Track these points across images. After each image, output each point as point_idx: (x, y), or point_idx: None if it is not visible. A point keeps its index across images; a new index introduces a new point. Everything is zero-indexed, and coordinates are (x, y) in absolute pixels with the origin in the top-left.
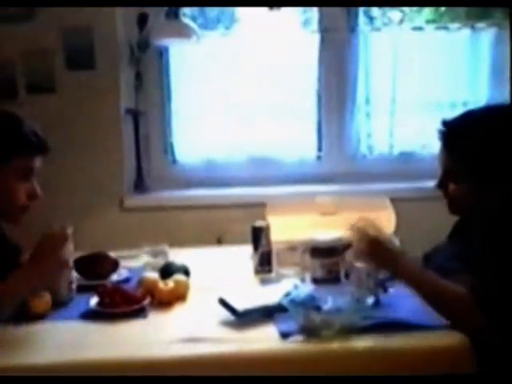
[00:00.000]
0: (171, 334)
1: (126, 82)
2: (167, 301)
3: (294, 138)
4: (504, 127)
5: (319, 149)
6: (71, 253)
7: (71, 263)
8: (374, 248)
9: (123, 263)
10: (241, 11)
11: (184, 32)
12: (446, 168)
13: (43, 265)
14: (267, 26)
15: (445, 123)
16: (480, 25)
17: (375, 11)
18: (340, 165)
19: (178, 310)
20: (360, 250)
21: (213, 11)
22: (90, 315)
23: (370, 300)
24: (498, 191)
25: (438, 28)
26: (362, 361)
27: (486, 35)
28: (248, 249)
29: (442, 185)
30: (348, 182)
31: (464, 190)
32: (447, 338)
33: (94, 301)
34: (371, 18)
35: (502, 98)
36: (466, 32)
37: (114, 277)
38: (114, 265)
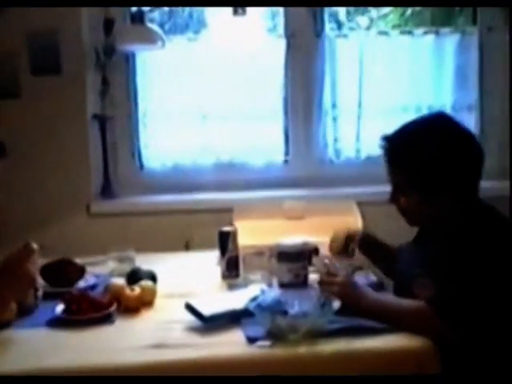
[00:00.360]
0: (138, 340)
1: (93, 87)
2: (134, 307)
3: (261, 142)
4: (440, 137)
5: (286, 153)
6: (38, 267)
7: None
8: (342, 289)
9: (90, 269)
10: (209, 16)
11: (149, 37)
12: (394, 182)
13: (11, 280)
14: (234, 31)
15: (385, 139)
16: (444, 30)
17: (342, 16)
18: (307, 169)
19: (145, 316)
20: (331, 290)
21: (181, 16)
22: (57, 322)
23: (336, 304)
24: (446, 198)
25: (402, 33)
26: (329, 364)
27: (451, 40)
28: (215, 254)
29: (393, 199)
30: (315, 186)
31: (414, 201)
32: (411, 341)
33: (60, 308)
34: (338, 23)
35: (466, 101)
36: (431, 37)
37: (81, 283)
38: (81, 271)
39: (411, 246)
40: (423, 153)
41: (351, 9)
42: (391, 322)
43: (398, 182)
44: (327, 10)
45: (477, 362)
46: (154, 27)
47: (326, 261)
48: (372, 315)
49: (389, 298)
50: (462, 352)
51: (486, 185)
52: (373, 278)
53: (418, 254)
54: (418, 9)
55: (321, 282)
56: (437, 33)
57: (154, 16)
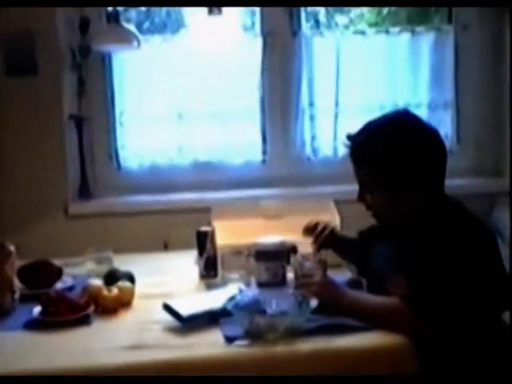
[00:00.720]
0: (116, 341)
1: (69, 87)
2: (112, 308)
3: (239, 142)
4: (403, 133)
5: (264, 152)
6: (15, 269)
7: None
8: (320, 289)
9: (67, 271)
10: (187, 16)
11: (124, 37)
12: (360, 181)
13: None
14: (210, 30)
15: (349, 138)
16: (420, 29)
17: (321, 15)
18: (285, 168)
19: (123, 317)
20: (310, 291)
21: (159, 16)
22: (34, 324)
23: (314, 303)
24: (412, 195)
25: (379, 32)
26: (307, 363)
27: (426, 39)
28: (193, 254)
29: (361, 198)
30: (293, 185)
31: (380, 199)
32: (389, 338)
33: (37, 310)
34: (317, 22)
35: (442, 99)
36: (407, 36)
37: (58, 285)
38: (58, 273)
39: (384, 244)
40: (387, 150)
41: (330, 8)
42: (369, 320)
43: (364, 180)
44: (305, 9)
45: (453, 358)
46: (130, 27)
47: (302, 260)
48: (350, 314)
49: (366, 296)
50: (439, 349)
51: (462, 182)
52: (350, 275)
53: (390, 253)
54: (393, 7)
55: (298, 286)
56: (412, 31)
57: (131, 16)
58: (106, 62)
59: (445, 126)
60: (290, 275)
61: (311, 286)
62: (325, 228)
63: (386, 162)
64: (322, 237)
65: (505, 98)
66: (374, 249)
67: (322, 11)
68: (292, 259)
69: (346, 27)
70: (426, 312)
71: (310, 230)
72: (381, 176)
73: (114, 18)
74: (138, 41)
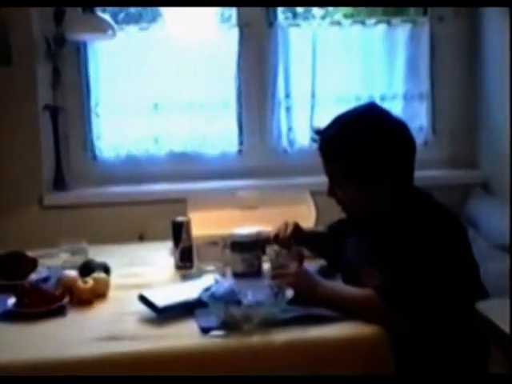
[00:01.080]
0: (91, 332)
1: (44, 77)
2: (87, 299)
3: (215, 132)
4: (371, 126)
5: (240, 143)
6: None
7: None
8: (296, 280)
9: (42, 262)
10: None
11: (99, 26)
12: (330, 175)
13: None
14: (187, 20)
15: (317, 132)
16: (396, 20)
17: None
18: (261, 159)
19: (98, 309)
20: (285, 281)
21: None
22: (8, 316)
23: (290, 293)
24: (381, 187)
25: (355, 23)
26: (282, 353)
27: (402, 30)
28: (169, 245)
29: (331, 192)
30: (269, 176)
31: (350, 193)
32: (364, 329)
33: (11, 301)
34: (294, 13)
35: (418, 91)
36: (383, 27)
37: (33, 276)
38: (33, 264)
39: (356, 237)
40: (355, 143)
41: None
42: (343, 310)
43: (333, 174)
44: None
45: (428, 348)
46: (105, 16)
47: (278, 250)
48: (324, 304)
49: (341, 286)
50: (413, 339)
51: (437, 173)
52: (323, 263)
53: (362, 245)
54: None
55: (274, 276)
56: (388, 23)
57: None
58: (81, 51)
59: (420, 118)
60: (266, 266)
61: (286, 277)
62: (286, 227)
63: (353, 156)
64: (286, 236)
65: (479, 89)
66: (346, 242)
67: None
68: (268, 250)
69: (323, 18)
70: (398, 302)
71: (275, 239)
72: (348, 170)
73: (89, 8)
74: (113, 30)
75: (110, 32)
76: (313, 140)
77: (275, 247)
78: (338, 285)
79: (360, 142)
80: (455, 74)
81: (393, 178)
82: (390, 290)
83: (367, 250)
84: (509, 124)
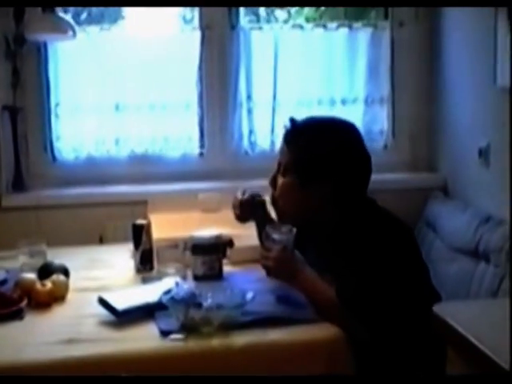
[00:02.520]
0: (49, 335)
1: (3, 77)
2: (45, 302)
3: (176, 134)
4: (337, 133)
5: (201, 146)
6: None
7: None
8: (276, 265)
9: (0, 264)
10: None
11: (59, 27)
12: (279, 163)
13: None
14: (150, 21)
15: (291, 120)
16: (357, 24)
17: (261, 9)
18: (223, 162)
19: (57, 311)
20: (265, 265)
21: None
22: None
23: (250, 295)
24: (320, 189)
25: (317, 26)
26: (243, 356)
27: (363, 34)
28: (129, 247)
29: (272, 181)
30: (230, 178)
31: (288, 184)
32: (324, 331)
33: None
34: (257, 16)
35: (378, 95)
36: (344, 31)
37: None
38: None
39: (310, 244)
40: (315, 139)
41: None
42: (314, 303)
43: (284, 162)
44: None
45: (386, 351)
46: (66, 17)
47: (270, 231)
48: (303, 293)
49: (317, 282)
50: (372, 344)
51: (397, 177)
52: None
53: (314, 252)
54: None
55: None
56: (350, 27)
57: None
58: (41, 51)
59: (380, 121)
60: (226, 268)
61: (267, 260)
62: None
63: (308, 150)
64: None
65: (439, 93)
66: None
67: None
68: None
69: (285, 21)
70: (355, 308)
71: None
72: (298, 161)
73: (50, 7)
74: (74, 30)
75: (70, 32)
76: (284, 127)
77: (268, 228)
78: (315, 280)
79: (320, 140)
80: (415, 77)
81: (336, 187)
82: (347, 296)
83: (318, 257)
84: (509, 128)
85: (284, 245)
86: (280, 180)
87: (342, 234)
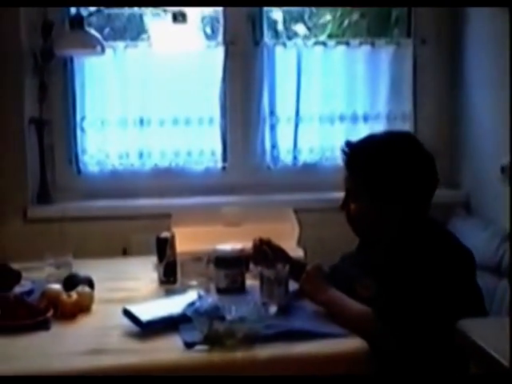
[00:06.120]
0: (75, 345)
1: (30, 90)
2: (71, 313)
3: (200, 149)
4: (401, 153)
5: (224, 160)
6: None
7: None
8: (305, 278)
9: (26, 275)
10: (148, 22)
11: (88, 43)
12: (347, 188)
13: None
14: (173, 37)
15: (347, 144)
16: (380, 42)
17: (280, 25)
18: (245, 176)
19: (82, 322)
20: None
21: (120, 21)
22: None
23: (273, 309)
24: (393, 210)
25: (339, 43)
26: (265, 369)
27: (386, 51)
28: (153, 259)
29: (344, 206)
30: (253, 193)
31: (362, 209)
32: (348, 345)
33: None
34: (276, 32)
35: (400, 111)
36: (367, 48)
37: (17, 289)
38: (17, 277)
39: (353, 254)
40: (380, 162)
41: (288, 17)
42: (339, 318)
43: (352, 187)
44: (267, 19)
45: (410, 366)
46: (94, 32)
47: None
48: (324, 307)
49: (344, 297)
50: (397, 358)
51: None
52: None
53: (359, 261)
54: (354, 19)
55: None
56: (372, 44)
57: (92, 20)
58: (67, 66)
59: None
60: (249, 282)
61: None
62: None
63: (377, 173)
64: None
65: (461, 110)
66: (343, 258)
67: (280, 20)
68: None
69: (306, 37)
70: (388, 318)
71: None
72: (368, 185)
73: (78, 23)
74: (102, 46)
75: (99, 48)
76: (342, 151)
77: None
78: (342, 295)
79: (386, 163)
80: (437, 94)
81: (407, 205)
82: (385, 306)
83: (364, 263)
84: (509, 133)
85: (278, 282)
86: (352, 206)
87: (399, 248)
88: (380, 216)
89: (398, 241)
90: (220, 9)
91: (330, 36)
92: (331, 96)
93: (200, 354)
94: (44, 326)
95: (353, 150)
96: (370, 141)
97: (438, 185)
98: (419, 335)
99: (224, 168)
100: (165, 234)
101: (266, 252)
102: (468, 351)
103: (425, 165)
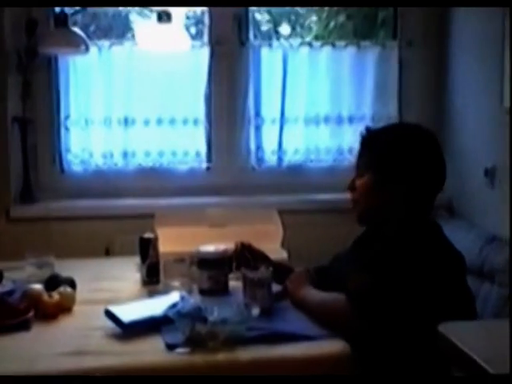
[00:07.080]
0: (56, 347)
1: (14, 90)
2: (52, 313)
3: (184, 149)
4: (420, 143)
5: (209, 160)
6: None
7: None
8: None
9: (7, 275)
10: (134, 21)
11: (72, 41)
12: (358, 165)
13: None
14: (158, 37)
15: (367, 128)
16: (365, 43)
17: (266, 26)
18: (229, 177)
19: (64, 323)
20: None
21: (105, 20)
22: None
23: (256, 311)
24: (396, 190)
25: (325, 44)
26: (247, 371)
27: (371, 53)
28: (136, 260)
29: (351, 186)
30: (237, 194)
31: (367, 182)
32: (329, 347)
33: None
34: (260, 32)
35: (385, 113)
36: (352, 49)
37: None
38: None
39: (347, 253)
40: (395, 139)
41: (274, 18)
42: (314, 311)
43: (362, 163)
44: (253, 20)
45: (390, 365)
46: (78, 31)
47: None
48: (301, 302)
49: (320, 292)
50: (376, 352)
51: None
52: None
53: (353, 259)
54: (340, 21)
55: None
56: (358, 45)
57: (77, 18)
58: (52, 64)
59: None
60: (232, 283)
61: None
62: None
63: (390, 152)
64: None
65: (445, 112)
66: (336, 257)
67: (264, 20)
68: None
69: (293, 39)
70: (361, 303)
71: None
72: (376, 159)
73: (62, 21)
74: (87, 45)
75: (83, 47)
76: (361, 135)
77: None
78: (320, 291)
79: (404, 145)
80: (422, 97)
81: (410, 190)
82: (356, 291)
83: (357, 260)
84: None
85: (261, 284)
86: (358, 181)
87: (388, 238)
88: (382, 192)
89: (395, 237)
90: (206, 9)
91: (316, 37)
92: (316, 97)
93: (182, 356)
94: (25, 326)
95: (370, 132)
96: (388, 127)
97: (441, 189)
98: (392, 320)
99: (208, 168)
100: (148, 235)
101: (246, 257)
102: (449, 354)
103: (436, 164)
